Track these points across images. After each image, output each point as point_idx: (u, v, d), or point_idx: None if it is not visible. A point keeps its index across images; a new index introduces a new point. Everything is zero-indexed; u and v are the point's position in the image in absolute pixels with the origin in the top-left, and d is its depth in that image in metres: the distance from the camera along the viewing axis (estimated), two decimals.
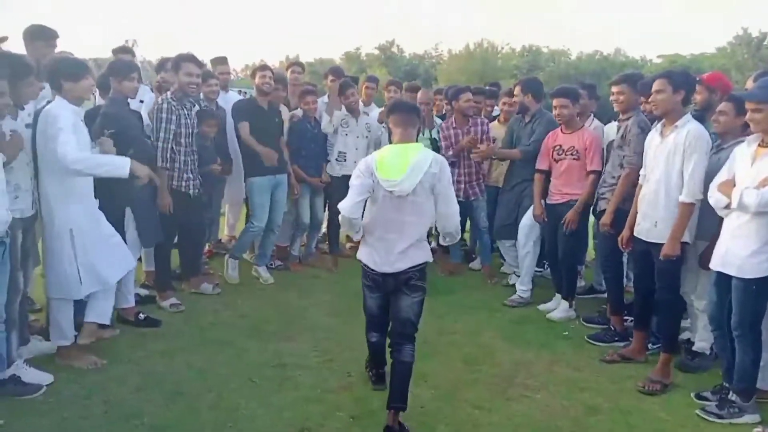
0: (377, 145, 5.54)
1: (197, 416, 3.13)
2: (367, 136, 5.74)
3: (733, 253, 3.19)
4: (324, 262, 5.96)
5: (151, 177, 3.73)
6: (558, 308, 4.75)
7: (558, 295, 4.88)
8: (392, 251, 3.05)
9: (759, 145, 3.21)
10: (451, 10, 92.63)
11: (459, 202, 5.40)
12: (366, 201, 3.08)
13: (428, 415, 3.24)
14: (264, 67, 5.48)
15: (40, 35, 4.16)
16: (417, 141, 3.39)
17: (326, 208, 5.97)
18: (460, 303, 5.12)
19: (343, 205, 3.04)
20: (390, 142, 3.60)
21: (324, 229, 6.17)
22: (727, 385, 3.37)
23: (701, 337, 3.90)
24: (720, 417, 3.25)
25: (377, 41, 57.39)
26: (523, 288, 5.07)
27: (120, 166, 3.47)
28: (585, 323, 4.64)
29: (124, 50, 5.55)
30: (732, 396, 3.29)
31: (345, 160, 5.67)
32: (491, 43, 50.08)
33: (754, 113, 3.19)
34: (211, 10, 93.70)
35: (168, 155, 4.47)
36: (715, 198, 3.32)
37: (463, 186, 5.54)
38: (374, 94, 6.30)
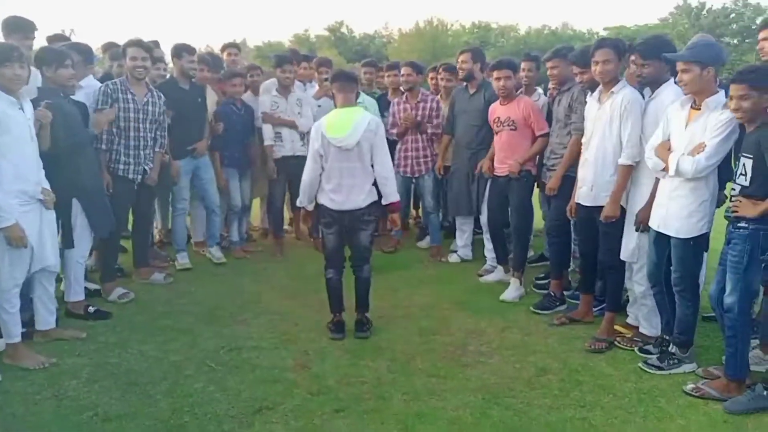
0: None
1: (153, 404, 3.10)
2: (299, 112, 5.61)
3: (671, 215, 3.32)
4: (271, 247, 5.94)
5: None
6: (509, 289, 4.68)
7: (500, 267, 5.00)
8: (348, 193, 3.84)
9: (691, 107, 3.33)
10: None
11: (405, 177, 5.61)
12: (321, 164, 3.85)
13: (385, 386, 3.30)
14: (188, 50, 5.23)
15: (17, 28, 4.09)
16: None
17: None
18: (415, 277, 5.20)
19: (304, 173, 3.94)
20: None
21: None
22: (667, 338, 3.55)
23: (650, 324, 3.81)
24: (660, 369, 3.42)
25: (326, 22, 56.58)
26: (491, 255, 5.16)
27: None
28: (535, 289, 4.78)
29: (61, 38, 5.34)
30: (672, 348, 3.47)
31: (281, 140, 5.60)
32: (441, 21, 50.02)
33: (682, 74, 3.30)
34: None
35: (103, 137, 4.40)
36: (653, 161, 3.44)
37: (409, 162, 5.59)
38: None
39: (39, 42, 4.69)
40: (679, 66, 3.33)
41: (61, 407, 3.06)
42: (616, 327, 3.91)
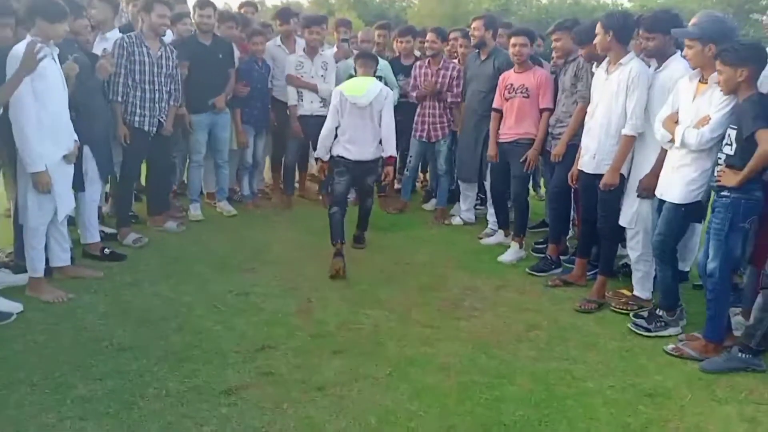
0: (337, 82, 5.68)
1: (164, 338, 3.32)
2: (323, 75, 5.74)
3: (673, 182, 3.42)
4: (279, 202, 6.13)
5: None
6: (508, 251, 4.84)
7: (500, 231, 5.16)
8: (361, 145, 4.57)
9: (699, 81, 3.41)
10: None
11: (421, 142, 5.73)
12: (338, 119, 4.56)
13: (381, 333, 3.50)
14: (204, 4, 5.26)
15: None
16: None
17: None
18: (418, 237, 5.37)
19: (324, 126, 4.64)
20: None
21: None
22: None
23: (643, 288, 3.97)
24: (648, 330, 3.57)
25: None
26: (493, 219, 5.33)
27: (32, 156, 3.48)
28: (533, 253, 4.93)
29: None
30: (659, 311, 3.62)
31: (302, 101, 5.74)
32: None
33: (687, 49, 3.39)
34: None
35: (119, 89, 4.56)
36: (660, 134, 3.52)
37: (426, 127, 5.68)
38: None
39: None
40: (686, 41, 3.40)
41: (79, 337, 3.29)
42: (621, 291, 4.06)
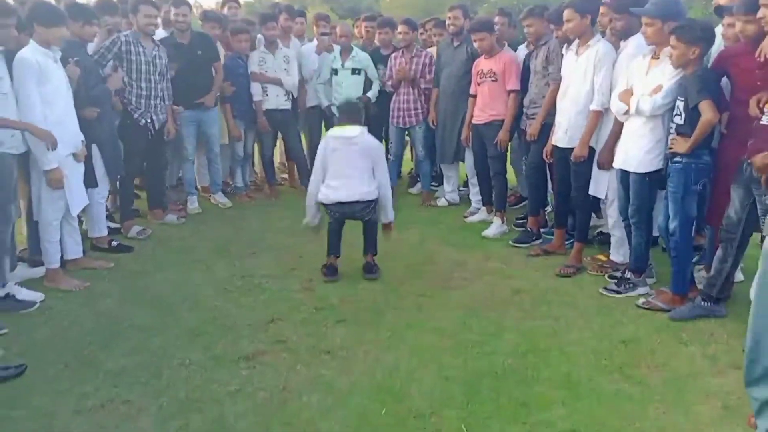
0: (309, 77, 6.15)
1: (179, 317, 3.60)
2: (285, 69, 5.98)
3: (631, 153, 3.78)
4: (265, 193, 6.43)
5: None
6: (491, 226, 5.19)
7: (484, 208, 5.49)
8: (349, 181, 4.08)
9: (652, 57, 3.76)
10: None
11: (398, 128, 6.03)
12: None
13: (379, 304, 3.81)
14: (179, 3, 5.39)
15: None
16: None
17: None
18: (407, 219, 5.61)
19: (310, 185, 4.26)
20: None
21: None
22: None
23: (618, 252, 4.29)
24: (618, 292, 3.91)
25: None
26: (476, 198, 5.67)
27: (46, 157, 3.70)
28: (515, 227, 5.27)
29: None
30: (628, 274, 3.98)
31: (267, 95, 6.00)
32: None
33: (646, 27, 3.71)
34: None
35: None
36: (616, 106, 3.88)
37: (402, 114, 5.98)
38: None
39: None
40: (644, 20, 3.73)
41: (100, 320, 3.56)
42: (598, 256, 4.41)
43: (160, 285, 4.08)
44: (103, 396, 2.78)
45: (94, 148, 4.32)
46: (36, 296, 3.71)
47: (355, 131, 4.12)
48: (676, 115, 3.47)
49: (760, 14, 3.14)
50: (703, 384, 2.86)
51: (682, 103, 3.41)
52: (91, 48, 4.61)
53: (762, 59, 3.18)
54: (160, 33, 5.39)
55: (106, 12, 4.90)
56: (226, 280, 4.16)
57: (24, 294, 3.67)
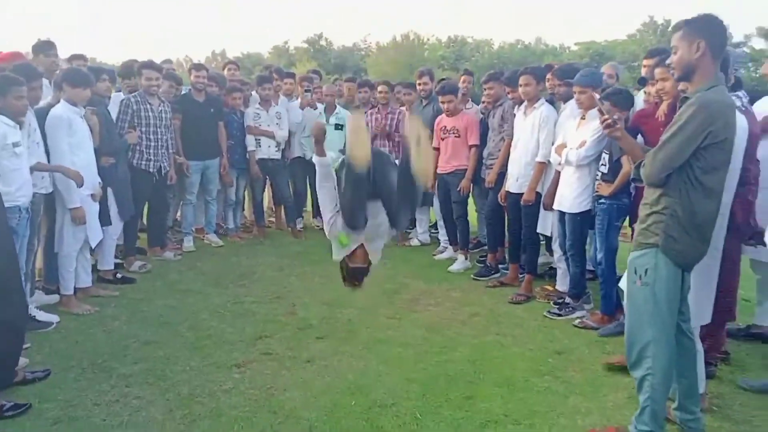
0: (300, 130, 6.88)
1: (180, 335, 4.16)
2: (278, 123, 6.75)
3: (565, 197, 4.49)
4: (254, 234, 7.06)
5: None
6: (456, 262, 5.85)
7: (450, 247, 6.15)
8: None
9: (581, 118, 4.52)
10: (378, 2, 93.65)
11: None
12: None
13: (354, 324, 4.40)
14: (199, 67, 6.46)
15: (42, 48, 5.10)
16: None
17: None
18: (383, 255, 6.26)
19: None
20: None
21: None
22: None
23: (563, 282, 4.90)
24: (559, 315, 4.55)
25: (305, 34, 57.74)
26: (444, 239, 6.32)
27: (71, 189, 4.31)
28: (478, 264, 5.92)
29: (80, 57, 6.34)
30: (567, 300, 4.62)
31: (260, 146, 6.75)
32: (417, 35, 51.64)
33: (579, 95, 4.48)
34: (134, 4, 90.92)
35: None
36: (553, 158, 4.61)
37: None
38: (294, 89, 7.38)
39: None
40: (575, 88, 4.50)
41: (110, 337, 4.10)
42: (546, 287, 5.05)
43: (162, 309, 4.64)
44: (118, 393, 3.32)
45: (109, 191, 4.95)
46: (52, 318, 4.25)
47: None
48: (602, 165, 4.19)
49: (658, 86, 3.90)
50: (616, 381, 3.47)
51: (607, 155, 4.13)
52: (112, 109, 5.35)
53: (663, 118, 3.93)
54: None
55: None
56: (220, 306, 4.73)
57: (42, 316, 4.21)
